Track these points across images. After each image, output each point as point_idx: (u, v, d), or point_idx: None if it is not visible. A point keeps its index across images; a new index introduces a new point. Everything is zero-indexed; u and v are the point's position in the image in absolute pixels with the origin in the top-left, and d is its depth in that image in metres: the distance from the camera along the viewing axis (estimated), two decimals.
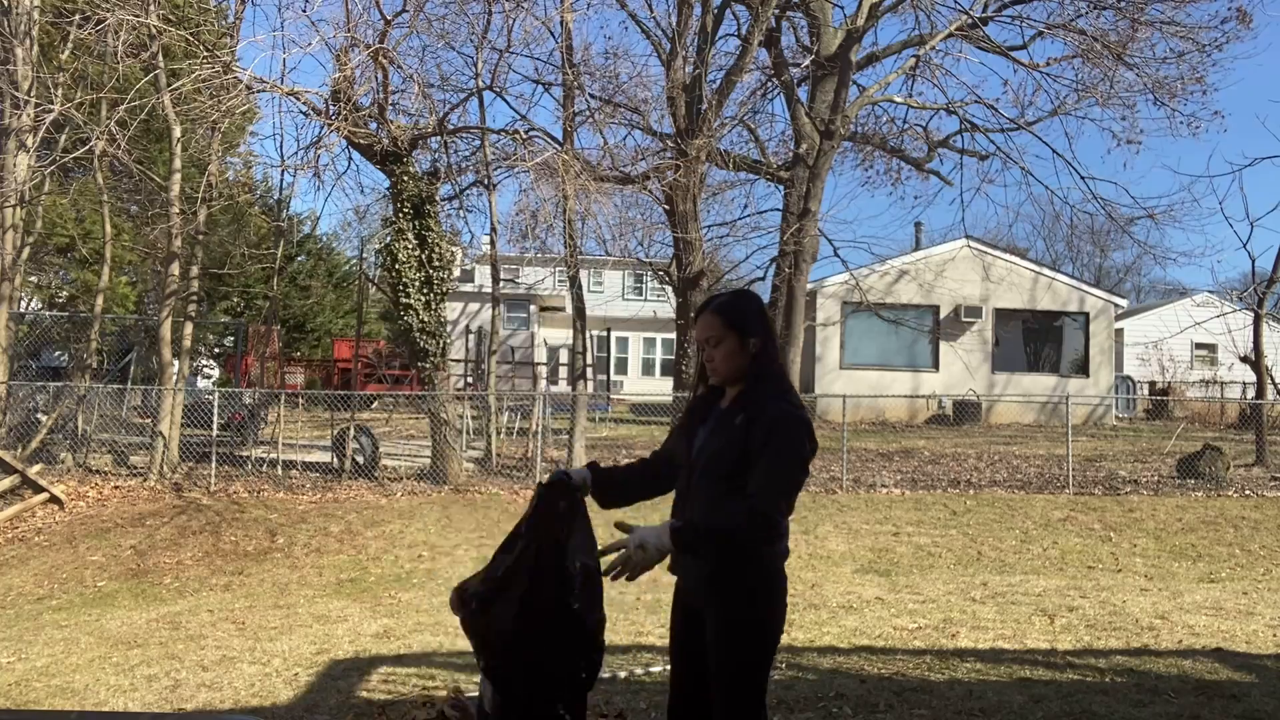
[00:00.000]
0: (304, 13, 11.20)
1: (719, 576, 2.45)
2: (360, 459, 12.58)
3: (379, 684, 5.05)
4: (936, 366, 20.78)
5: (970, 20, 14.03)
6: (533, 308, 31.31)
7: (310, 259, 31.31)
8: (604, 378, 26.99)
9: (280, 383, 18.75)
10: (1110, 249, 42.72)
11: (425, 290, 12.21)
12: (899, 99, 15.88)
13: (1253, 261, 14.95)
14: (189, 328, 13.46)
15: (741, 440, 2.42)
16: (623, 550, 2.37)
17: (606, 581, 2.42)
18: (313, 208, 53.81)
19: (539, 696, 2.39)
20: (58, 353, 17.24)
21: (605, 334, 28.03)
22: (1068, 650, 5.55)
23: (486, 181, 13.52)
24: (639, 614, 6.40)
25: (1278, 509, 10.70)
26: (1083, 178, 16.32)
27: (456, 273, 19.88)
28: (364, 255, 32.38)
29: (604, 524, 2.69)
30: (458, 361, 21.60)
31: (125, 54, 10.81)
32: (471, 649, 2.51)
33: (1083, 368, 21.18)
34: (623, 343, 33.72)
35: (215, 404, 13.06)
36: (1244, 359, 14.88)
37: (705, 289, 13.82)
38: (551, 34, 13.17)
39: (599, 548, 2.44)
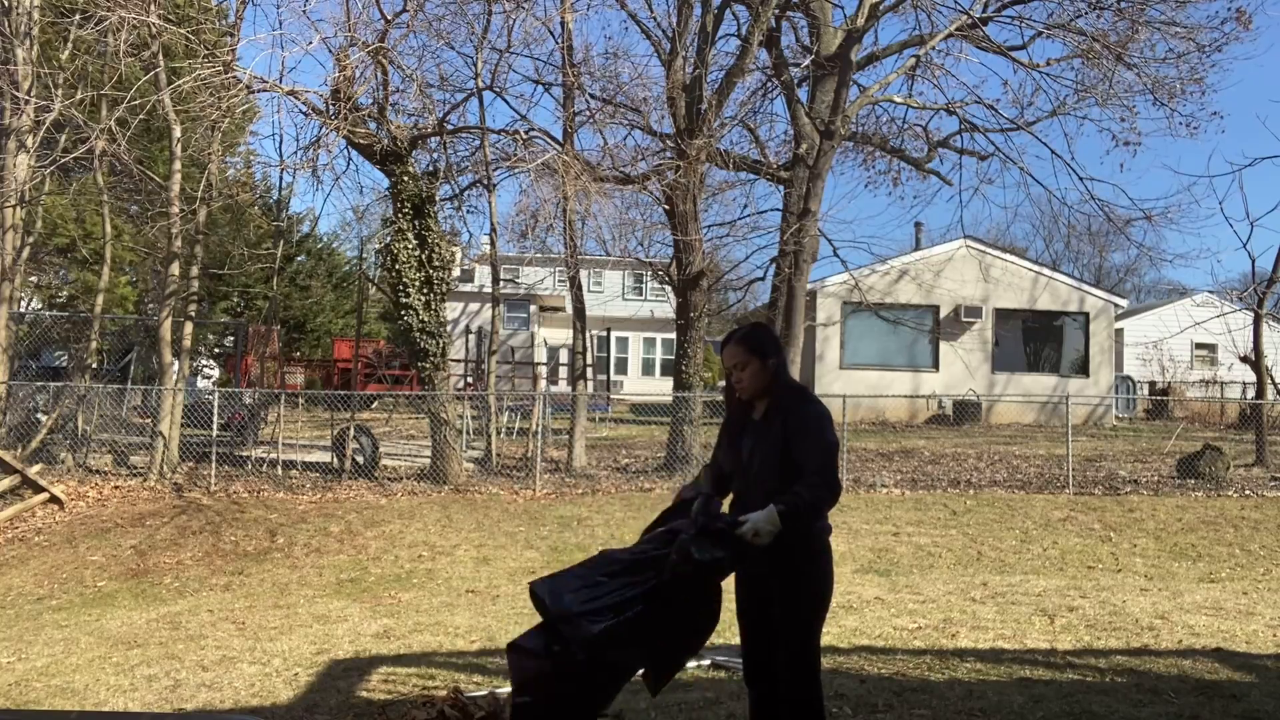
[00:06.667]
0: (303, 12, 11.22)
1: (786, 550, 3.00)
2: (360, 459, 12.58)
3: (379, 684, 5.05)
4: (936, 366, 20.78)
5: (970, 20, 13.99)
6: (533, 308, 31.31)
7: (310, 259, 31.31)
8: (604, 378, 26.99)
9: (280, 383, 18.74)
10: (1109, 250, 42.68)
11: (425, 290, 12.21)
12: (899, 99, 15.85)
13: (1253, 261, 14.95)
14: (189, 328, 13.46)
15: (782, 439, 3.09)
16: (745, 530, 2.93)
17: None
18: (312, 207, 53.83)
19: None
20: (58, 353, 17.24)
21: (605, 334, 28.03)
22: (1068, 650, 5.55)
23: (486, 182, 13.51)
24: None
25: (1278, 509, 10.70)
26: (1081, 178, 16.30)
27: (456, 273, 19.88)
28: (364, 255, 32.41)
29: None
30: (458, 361, 21.61)
31: (125, 53, 10.81)
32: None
33: (1083, 368, 21.17)
34: (623, 343, 33.71)
35: (215, 404, 13.07)
36: (1244, 359, 14.88)
37: (705, 289, 13.80)
38: (551, 34, 13.16)
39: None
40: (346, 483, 11.98)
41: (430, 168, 12.99)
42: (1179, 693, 4.64)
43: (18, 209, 12.30)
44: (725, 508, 3.29)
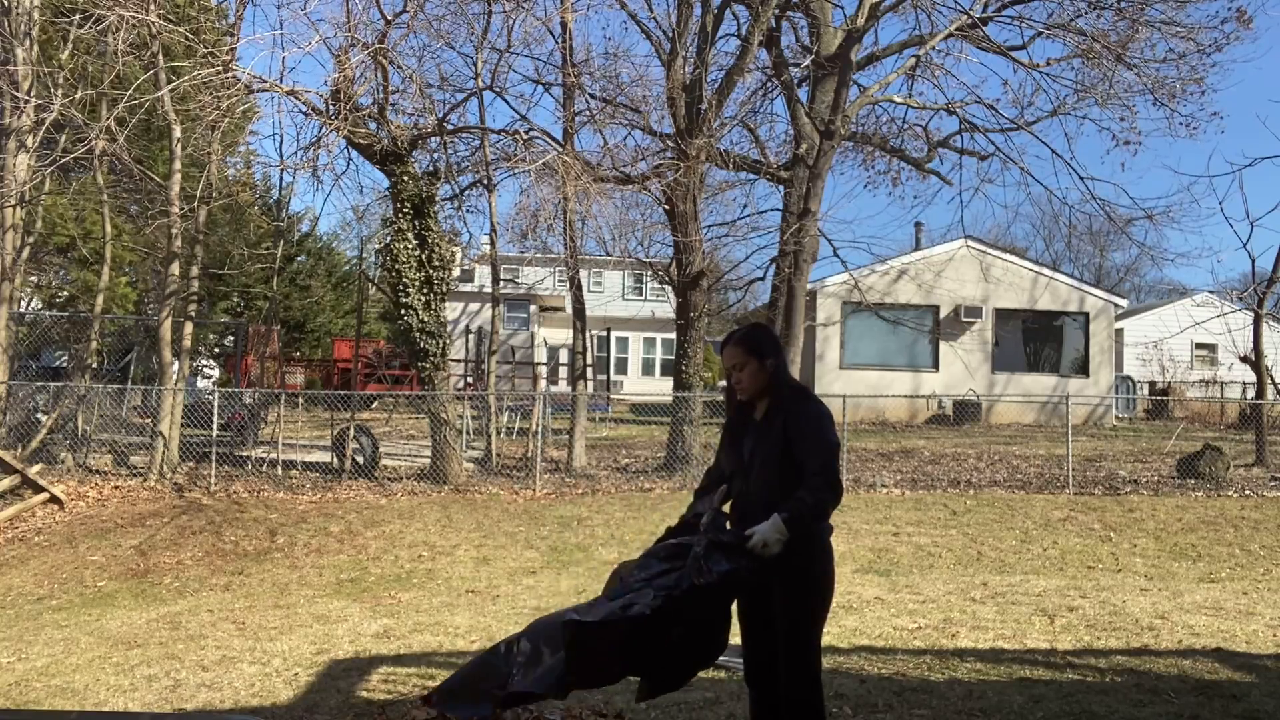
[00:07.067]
0: (303, 13, 11.20)
1: (788, 550, 2.97)
2: (360, 459, 12.58)
3: (379, 684, 5.05)
4: (936, 366, 20.78)
5: (970, 20, 13.99)
6: (533, 308, 31.31)
7: (310, 259, 31.32)
8: (604, 378, 26.99)
9: (280, 383, 18.74)
10: (1109, 249, 42.74)
11: (425, 290, 12.21)
12: (899, 99, 15.85)
13: (1253, 261, 14.96)
14: (189, 328, 13.46)
15: (782, 439, 3.10)
16: (754, 544, 2.95)
17: None
18: (312, 207, 53.86)
19: None
20: (58, 353, 17.24)
21: (605, 334, 28.03)
22: (1068, 650, 5.55)
23: (486, 182, 13.51)
24: None
25: (1278, 509, 10.70)
26: (1081, 178, 16.31)
27: (456, 273, 19.88)
28: (364, 255, 32.42)
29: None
30: (458, 361, 21.60)
31: (125, 52, 10.80)
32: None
33: (1083, 368, 21.17)
34: (623, 343, 33.71)
35: (215, 404, 13.06)
36: (1244, 359, 14.88)
37: (705, 289, 13.80)
38: (551, 34, 13.16)
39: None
40: (346, 483, 11.98)
41: (430, 168, 12.98)
42: (1179, 693, 4.64)
43: (18, 209, 12.30)
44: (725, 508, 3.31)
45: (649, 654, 2.99)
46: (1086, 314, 21.29)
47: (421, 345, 12.23)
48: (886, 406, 20.05)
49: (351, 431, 12.74)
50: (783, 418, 3.15)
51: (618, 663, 2.99)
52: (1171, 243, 79.31)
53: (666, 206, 13.58)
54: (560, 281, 26.82)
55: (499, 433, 14.62)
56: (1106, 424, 20.30)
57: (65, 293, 20.04)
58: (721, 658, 5.14)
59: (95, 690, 5.15)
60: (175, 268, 12.89)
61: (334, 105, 11.45)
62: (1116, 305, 22.44)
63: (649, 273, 19.66)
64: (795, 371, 13.74)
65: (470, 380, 22.24)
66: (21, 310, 15.40)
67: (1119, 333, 24.01)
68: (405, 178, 12.16)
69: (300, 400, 16.86)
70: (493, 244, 14.00)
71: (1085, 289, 22.19)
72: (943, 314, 20.85)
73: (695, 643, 3.06)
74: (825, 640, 5.92)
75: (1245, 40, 18.60)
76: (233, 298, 26.73)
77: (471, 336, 24.14)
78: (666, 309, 23.67)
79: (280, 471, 12.31)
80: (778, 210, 15.83)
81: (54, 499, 10.87)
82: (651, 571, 3.06)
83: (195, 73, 10.98)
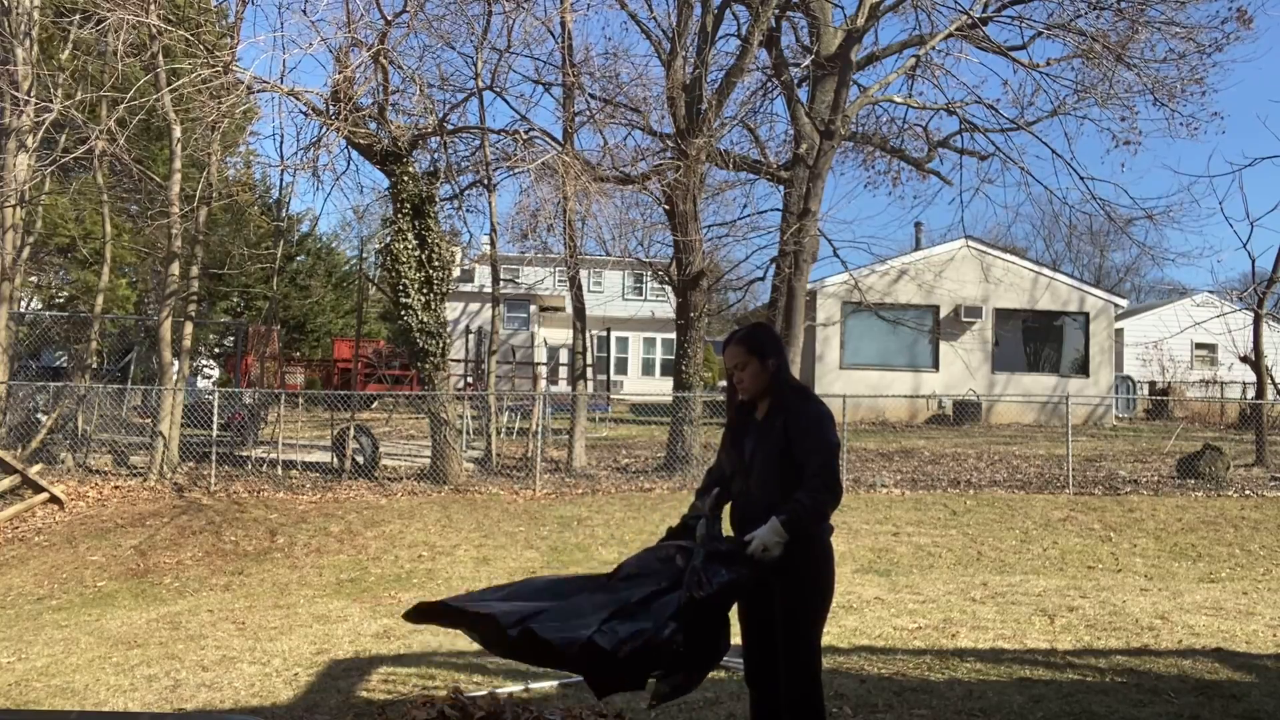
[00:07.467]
0: (304, 13, 11.19)
1: (788, 550, 2.98)
2: (360, 459, 12.58)
3: (379, 684, 5.06)
4: (936, 366, 20.78)
5: (970, 20, 13.98)
6: (533, 308, 31.30)
7: (310, 259, 31.32)
8: (604, 378, 26.98)
9: (280, 383, 18.74)
10: (1109, 249, 42.74)
11: (425, 290, 12.21)
12: (899, 99, 15.85)
13: (1253, 261, 14.95)
14: (189, 328, 13.46)
15: (783, 439, 3.11)
16: (753, 549, 2.97)
17: None
18: (312, 207, 53.89)
19: None
20: (58, 353, 17.24)
21: (605, 334, 28.02)
22: (1068, 650, 5.55)
23: (486, 182, 13.51)
24: None
25: (1278, 509, 10.70)
26: (1082, 178, 16.33)
27: (456, 273, 19.88)
28: (364, 255, 32.44)
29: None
30: (458, 361, 21.60)
31: (125, 53, 10.80)
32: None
33: (1083, 368, 21.18)
34: (623, 343, 33.71)
35: (215, 404, 13.06)
36: (1244, 359, 14.88)
37: (705, 289, 13.80)
38: (551, 34, 13.16)
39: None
40: (346, 483, 11.98)
41: (430, 168, 12.98)
42: (1179, 693, 4.64)
43: (18, 209, 12.30)
44: (725, 512, 3.30)
45: (655, 662, 2.99)
46: (1086, 314, 21.30)
47: (421, 345, 12.23)
48: (886, 406, 20.05)
49: (351, 431, 12.74)
50: (784, 418, 3.15)
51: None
52: (1171, 243, 79.30)
53: (666, 206, 13.57)
54: (560, 281, 26.82)
55: (499, 433, 14.63)
56: (1106, 424, 20.30)
57: (65, 293, 20.04)
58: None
59: (95, 690, 5.15)
60: (175, 268, 12.89)
61: (334, 105, 11.45)
62: (1116, 305, 22.44)
63: (649, 273, 19.67)
64: (795, 371, 13.72)
65: (470, 380, 22.24)
66: (21, 310, 15.40)
67: (1119, 333, 24.02)
68: (405, 178, 12.16)
69: (300, 400, 16.87)
70: (493, 244, 13.99)
71: (1085, 289, 22.19)
72: (943, 314, 20.85)
73: (700, 648, 3.05)
74: (825, 640, 5.91)
75: (1245, 40, 18.62)
76: (233, 298, 26.73)
77: (471, 336, 24.14)
78: (666, 309, 23.68)
79: (280, 471, 12.31)
80: (778, 210, 15.84)
81: (54, 499, 10.88)
82: (643, 591, 3.01)
83: (195, 74, 10.98)
